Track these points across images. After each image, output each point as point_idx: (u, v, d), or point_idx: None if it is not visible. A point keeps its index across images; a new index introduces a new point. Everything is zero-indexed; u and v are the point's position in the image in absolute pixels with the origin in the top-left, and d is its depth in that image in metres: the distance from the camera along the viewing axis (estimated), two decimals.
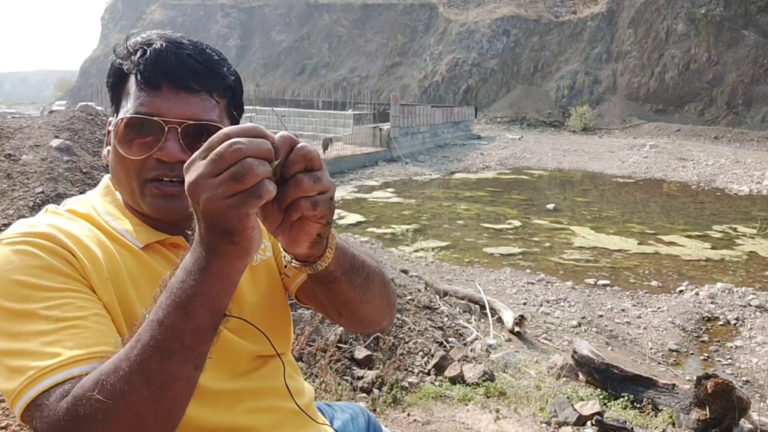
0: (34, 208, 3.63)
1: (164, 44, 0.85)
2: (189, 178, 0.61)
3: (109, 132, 0.92)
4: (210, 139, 0.61)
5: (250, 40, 51.69)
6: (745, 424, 3.36)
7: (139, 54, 0.85)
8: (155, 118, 0.84)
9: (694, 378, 3.67)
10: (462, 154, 22.86)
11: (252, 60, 50.36)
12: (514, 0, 40.99)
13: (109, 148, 0.91)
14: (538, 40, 38.79)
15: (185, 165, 0.62)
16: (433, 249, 9.44)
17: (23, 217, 3.53)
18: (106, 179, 0.96)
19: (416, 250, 9.32)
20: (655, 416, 3.53)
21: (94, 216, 0.88)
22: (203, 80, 0.86)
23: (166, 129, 0.84)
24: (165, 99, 0.84)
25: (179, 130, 0.84)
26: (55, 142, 4.51)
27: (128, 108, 0.86)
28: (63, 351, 0.70)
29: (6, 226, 3.39)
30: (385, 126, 21.48)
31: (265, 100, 28.76)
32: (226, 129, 0.62)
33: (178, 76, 0.85)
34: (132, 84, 0.86)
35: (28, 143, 4.50)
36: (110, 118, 0.92)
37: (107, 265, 0.81)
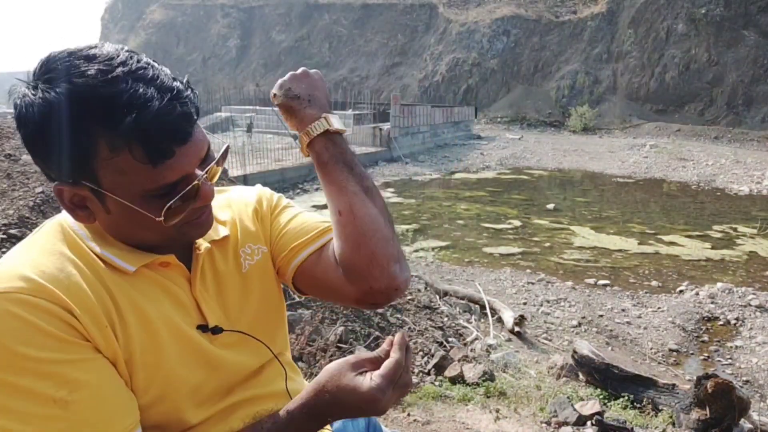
0: (34, 208, 3.63)
1: (157, 107, 0.73)
2: (382, 405, 0.79)
3: (79, 197, 0.79)
4: (393, 372, 0.79)
5: (250, 40, 51.66)
6: (745, 424, 3.36)
7: (132, 133, 0.72)
8: (191, 186, 0.79)
9: (694, 378, 3.67)
10: (462, 154, 22.85)
11: (252, 60, 50.34)
12: (514, 0, 40.98)
13: (88, 212, 0.81)
14: (538, 40, 38.77)
15: (380, 398, 0.78)
16: (433, 249, 9.43)
17: (24, 217, 3.52)
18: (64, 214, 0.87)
19: (416, 250, 9.31)
20: (655, 416, 3.53)
21: (77, 242, 0.82)
22: (194, 119, 0.80)
23: (199, 183, 0.81)
24: (181, 158, 0.77)
25: (205, 174, 0.82)
26: None
27: (135, 182, 0.76)
28: None
29: (6, 226, 3.39)
30: (385, 126, 21.46)
31: (265, 100, 28.71)
32: (399, 358, 0.81)
33: (184, 135, 0.78)
34: (116, 158, 0.74)
35: None
36: (59, 185, 0.78)
37: (103, 309, 0.77)
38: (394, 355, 0.81)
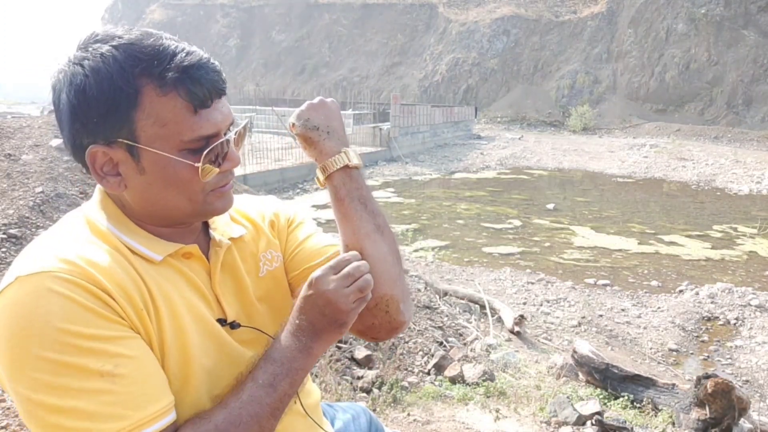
0: (34, 208, 3.63)
1: (201, 56, 0.81)
2: (326, 287, 0.85)
3: (112, 163, 0.81)
4: (338, 261, 0.88)
5: (250, 40, 51.66)
6: (744, 423, 3.36)
7: (182, 72, 0.78)
8: (223, 139, 0.84)
9: (694, 378, 3.67)
10: (462, 153, 22.86)
11: (252, 60, 50.35)
12: (514, 0, 40.98)
13: (119, 178, 0.82)
14: (538, 39, 38.77)
15: (318, 278, 0.86)
16: (432, 249, 9.44)
17: (24, 217, 3.52)
18: (98, 192, 0.89)
19: (416, 250, 9.32)
20: (655, 416, 3.53)
21: (103, 232, 0.83)
22: (225, 82, 0.86)
23: (230, 141, 0.85)
24: (216, 112, 0.83)
25: (234, 134, 0.86)
26: (54, 142, 4.52)
27: (174, 133, 0.79)
28: (127, 413, 0.71)
29: (6, 226, 3.38)
30: (385, 126, 21.47)
31: (265, 100, 28.74)
32: (348, 255, 0.89)
33: (221, 88, 0.84)
34: (160, 103, 0.78)
35: (28, 143, 4.51)
36: (94, 147, 0.79)
37: (137, 293, 0.79)
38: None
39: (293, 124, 1.01)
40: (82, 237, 0.81)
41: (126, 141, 0.79)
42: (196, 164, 0.81)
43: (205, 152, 0.81)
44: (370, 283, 0.88)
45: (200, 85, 0.79)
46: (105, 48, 0.77)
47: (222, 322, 0.90)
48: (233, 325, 0.91)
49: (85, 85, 0.76)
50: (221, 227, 0.97)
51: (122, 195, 0.85)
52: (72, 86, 0.77)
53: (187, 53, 0.79)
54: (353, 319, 0.87)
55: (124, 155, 0.80)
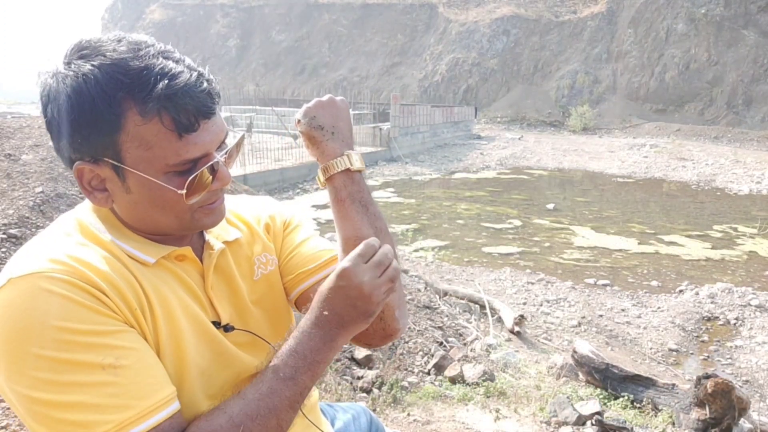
0: (34, 208, 3.63)
1: (187, 79, 0.77)
2: (361, 278, 0.81)
3: (99, 179, 0.80)
4: (365, 248, 0.83)
5: (250, 40, 51.65)
6: (744, 423, 3.36)
7: (164, 99, 0.75)
8: (213, 162, 0.82)
9: (694, 378, 3.67)
10: (462, 153, 22.86)
11: (252, 60, 50.34)
12: (514, 0, 40.97)
13: (107, 194, 0.82)
14: (538, 39, 38.77)
15: (350, 269, 0.81)
16: (432, 249, 9.44)
17: (24, 217, 3.53)
18: (87, 202, 0.87)
19: (416, 250, 9.32)
20: (655, 416, 3.53)
21: (98, 236, 0.82)
22: (216, 99, 0.83)
23: (220, 162, 0.84)
24: (204, 134, 0.80)
25: (225, 154, 0.85)
26: None
27: (159, 156, 0.77)
28: (132, 403, 0.71)
29: (6, 226, 3.39)
30: (385, 126, 21.47)
31: (265, 100, 28.74)
32: (372, 242, 0.85)
33: (209, 109, 0.80)
34: (144, 128, 0.76)
35: (28, 143, 4.50)
36: (80, 164, 0.79)
37: (132, 293, 0.79)
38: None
39: (299, 121, 0.99)
40: (74, 239, 0.81)
41: (111, 161, 0.78)
42: (180, 191, 0.80)
43: (189, 179, 0.80)
44: (399, 272, 0.86)
45: (185, 111, 0.76)
46: (87, 67, 0.75)
47: (216, 324, 0.89)
48: (227, 328, 0.91)
49: (68, 105, 0.75)
50: (216, 230, 0.97)
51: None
52: (56, 103, 0.76)
53: (172, 76, 0.75)
54: (380, 309, 0.85)
55: (111, 173, 0.79)
